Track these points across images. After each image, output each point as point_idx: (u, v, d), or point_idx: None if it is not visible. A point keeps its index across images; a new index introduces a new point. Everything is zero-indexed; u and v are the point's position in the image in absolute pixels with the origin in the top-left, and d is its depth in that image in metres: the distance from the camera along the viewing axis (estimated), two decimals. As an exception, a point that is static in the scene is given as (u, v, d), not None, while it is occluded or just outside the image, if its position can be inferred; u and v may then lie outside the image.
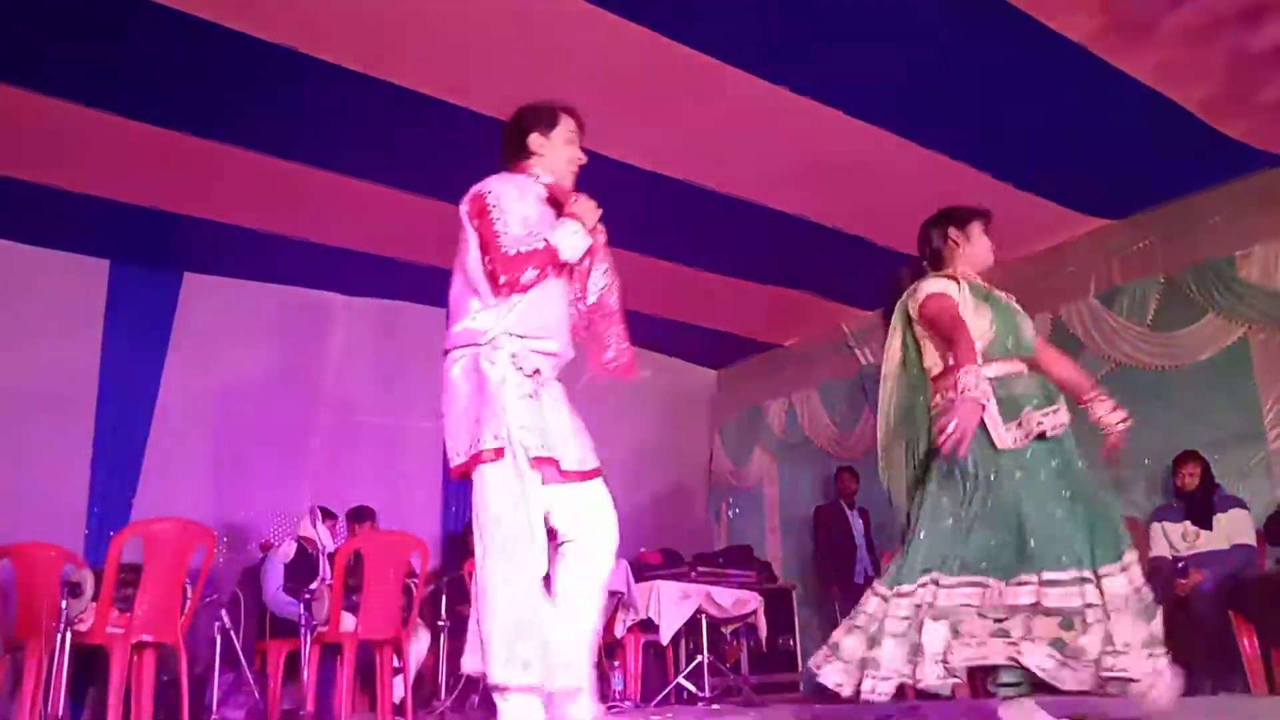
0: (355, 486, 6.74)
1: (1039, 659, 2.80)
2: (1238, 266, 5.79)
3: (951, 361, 2.98)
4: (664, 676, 6.46)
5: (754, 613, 6.50)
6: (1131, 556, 2.88)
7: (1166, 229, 6.15)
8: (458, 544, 7.15)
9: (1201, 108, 5.04)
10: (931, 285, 3.14)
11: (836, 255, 6.49)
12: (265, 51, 4.33)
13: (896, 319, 3.26)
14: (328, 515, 5.95)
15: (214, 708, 5.15)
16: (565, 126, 3.00)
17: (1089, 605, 2.79)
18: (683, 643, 6.56)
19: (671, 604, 5.99)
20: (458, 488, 7.46)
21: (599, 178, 5.57)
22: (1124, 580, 2.82)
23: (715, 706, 5.86)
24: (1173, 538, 5.44)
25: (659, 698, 6.05)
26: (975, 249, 3.27)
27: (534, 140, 2.97)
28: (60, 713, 4.22)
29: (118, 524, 5.68)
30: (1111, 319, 6.31)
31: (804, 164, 5.55)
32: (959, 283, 3.14)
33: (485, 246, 2.73)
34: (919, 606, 2.91)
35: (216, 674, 5.22)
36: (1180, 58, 4.60)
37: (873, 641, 2.92)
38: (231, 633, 5.24)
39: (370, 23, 4.30)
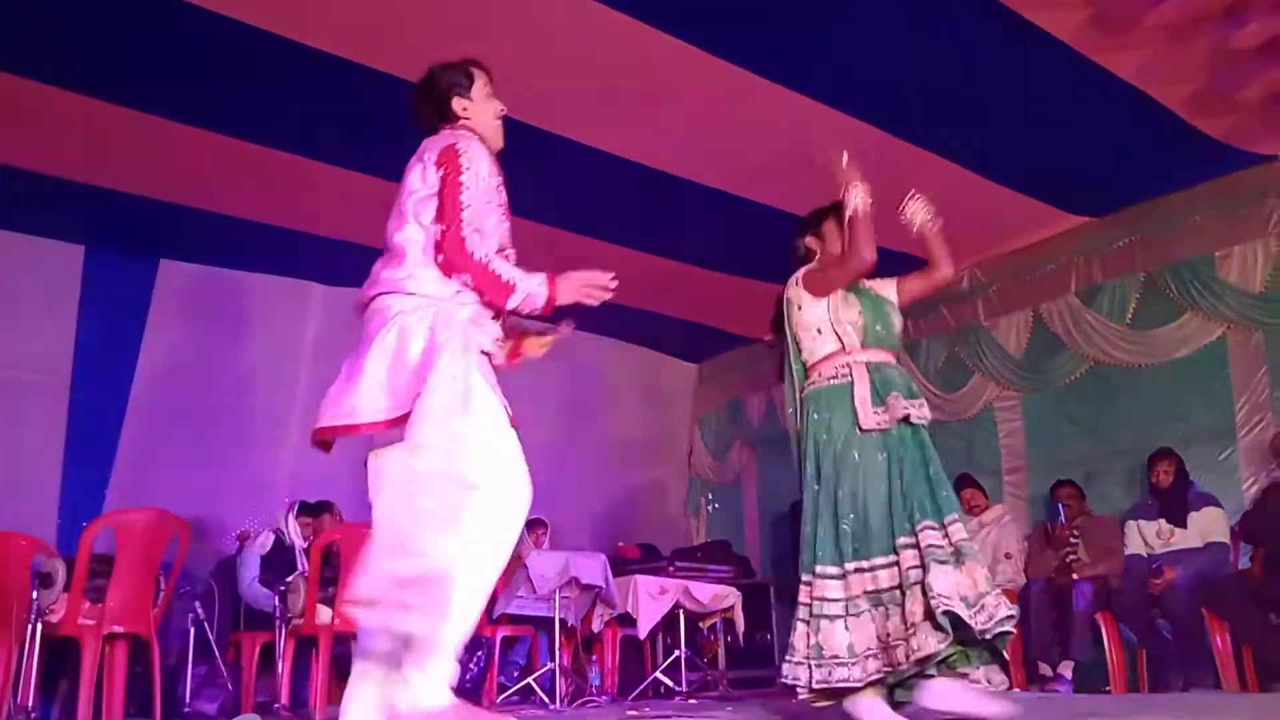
0: (333, 477, 6.66)
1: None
2: (1217, 266, 5.83)
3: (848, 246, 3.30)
4: (641, 671, 6.45)
5: (731, 608, 6.50)
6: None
7: (1147, 228, 6.18)
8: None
9: (1183, 106, 5.06)
10: (802, 270, 3.48)
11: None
12: (246, 35, 4.27)
13: (785, 321, 3.52)
14: (306, 510, 5.90)
15: (187, 700, 5.11)
16: (483, 82, 2.90)
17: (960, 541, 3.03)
18: (660, 637, 6.55)
19: (649, 598, 5.98)
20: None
21: (579, 166, 5.58)
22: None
23: (692, 701, 5.86)
24: (1147, 535, 5.48)
25: (636, 692, 6.04)
26: (834, 247, 3.47)
27: (458, 104, 2.86)
28: (30, 705, 4.17)
29: (91, 514, 5.61)
30: (1091, 317, 6.34)
31: (786, 156, 5.51)
32: None
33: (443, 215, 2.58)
34: (820, 600, 3.12)
35: (190, 666, 5.18)
36: (1163, 55, 4.61)
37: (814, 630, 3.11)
38: (205, 624, 5.20)
39: (352, 8, 4.26)
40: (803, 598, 3.20)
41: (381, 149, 5.33)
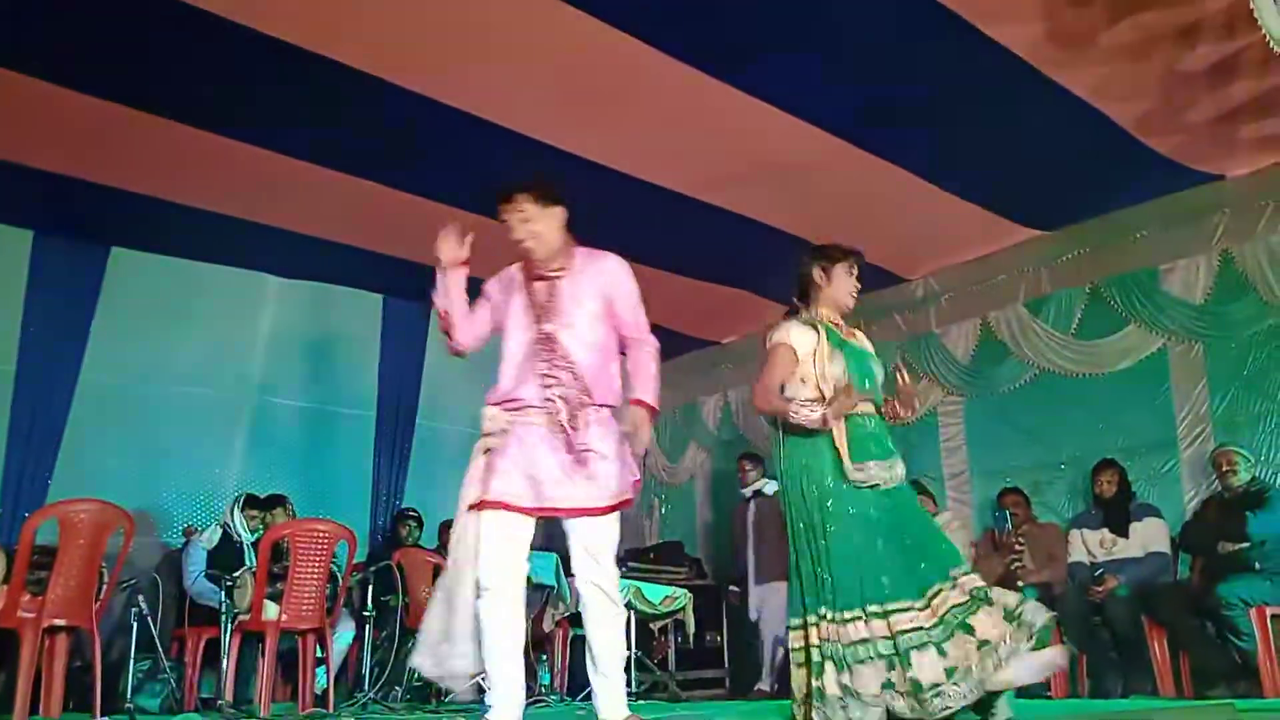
0: (282, 472, 6.62)
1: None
2: (1160, 279, 5.96)
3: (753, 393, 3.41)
4: (591, 670, 6.44)
5: (682, 609, 6.52)
6: (939, 597, 3.14)
7: (1094, 241, 6.31)
8: (387, 534, 7.07)
9: (1134, 124, 5.15)
10: (782, 335, 3.46)
11: (775, 254, 6.52)
12: (204, 22, 4.20)
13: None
14: (253, 503, 5.83)
15: (129, 695, 5.03)
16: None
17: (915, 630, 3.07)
18: (611, 637, 6.54)
19: (601, 598, 5.96)
20: (389, 478, 7.38)
21: (538, 165, 5.54)
22: (923, 616, 3.09)
23: (641, 703, 5.86)
24: (1090, 544, 5.58)
25: (585, 692, 6.03)
26: (836, 290, 3.51)
27: None
28: (-34, 697, 4.09)
29: (34, 505, 5.53)
30: (1038, 326, 6.46)
31: (746, 162, 5.57)
32: (818, 331, 3.43)
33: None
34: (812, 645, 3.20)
35: (132, 661, 5.10)
36: (1115, 74, 4.70)
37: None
38: (149, 619, 5.11)
39: (312, -1, 4.22)
40: (791, 643, 3.29)
41: (341, 143, 5.35)
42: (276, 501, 5.91)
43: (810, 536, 3.28)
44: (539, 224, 3.12)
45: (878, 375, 3.50)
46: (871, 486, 3.25)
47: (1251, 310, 5.61)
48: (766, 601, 6.39)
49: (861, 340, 3.57)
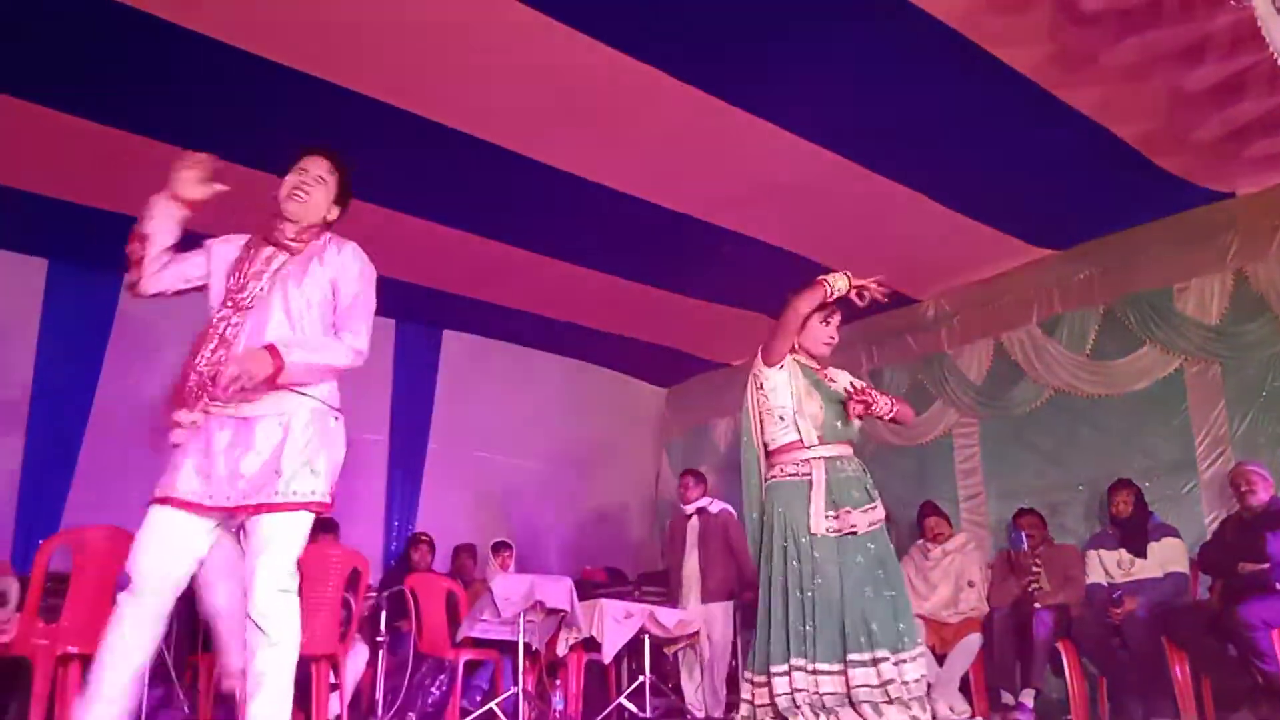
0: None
1: None
2: (1175, 299, 5.93)
3: (799, 315, 3.43)
4: (605, 696, 6.41)
5: (696, 633, 6.48)
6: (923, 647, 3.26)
7: (1107, 261, 6.29)
8: (400, 559, 7.06)
9: (1141, 142, 5.16)
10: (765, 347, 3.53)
11: (784, 276, 6.53)
12: (214, 50, 4.26)
13: (746, 394, 3.58)
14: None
15: (141, 723, 5.02)
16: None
17: (888, 683, 3.10)
18: (625, 662, 6.51)
19: (614, 623, 5.94)
20: (402, 502, 7.38)
21: (548, 189, 5.60)
22: (919, 666, 3.16)
23: (657, 727, 5.83)
24: (1108, 565, 5.52)
25: (600, 717, 6.00)
26: (807, 339, 3.57)
27: None
28: (-22, 726, 4.09)
29: (47, 531, 5.53)
30: (1052, 347, 6.43)
31: (754, 184, 5.59)
32: (789, 366, 3.49)
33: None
34: (780, 694, 3.18)
35: (145, 688, 5.08)
36: (1122, 93, 4.71)
37: None
38: (163, 645, 5.10)
39: (316, 22, 4.24)
40: (746, 695, 3.30)
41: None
42: (331, 527, 5.91)
43: (790, 586, 3.26)
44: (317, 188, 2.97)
45: (855, 420, 3.50)
46: (850, 532, 3.25)
47: (1267, 330, 5.58)
48: (713, 622, 6.32)
49: (839, 383, 3.57)
